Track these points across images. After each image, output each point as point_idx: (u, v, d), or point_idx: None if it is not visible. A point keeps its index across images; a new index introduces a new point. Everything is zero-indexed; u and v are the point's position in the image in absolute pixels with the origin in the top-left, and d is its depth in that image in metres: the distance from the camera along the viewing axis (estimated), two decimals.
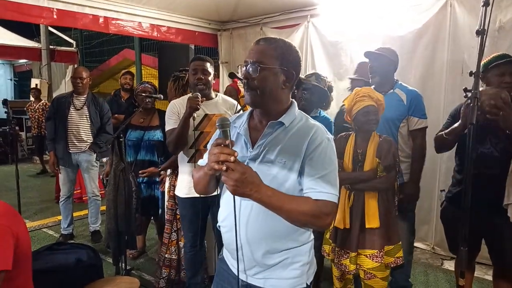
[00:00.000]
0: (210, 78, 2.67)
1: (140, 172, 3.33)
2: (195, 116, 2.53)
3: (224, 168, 1.21)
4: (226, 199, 1.44)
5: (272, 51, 1.35)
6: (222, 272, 1.54)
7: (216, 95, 2.79)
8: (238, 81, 4.19)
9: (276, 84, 1.36)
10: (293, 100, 1.46)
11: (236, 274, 1.39)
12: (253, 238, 1.36)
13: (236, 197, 1.29)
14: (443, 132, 2.43)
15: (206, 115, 2.65)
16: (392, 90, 2.82)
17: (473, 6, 3.55)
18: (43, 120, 7.67)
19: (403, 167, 2.80)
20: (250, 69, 1.34)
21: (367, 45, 4.12)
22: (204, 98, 2.61)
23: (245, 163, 1.34)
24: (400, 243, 2.41)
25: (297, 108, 1.44)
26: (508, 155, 2.22)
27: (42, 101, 8.03)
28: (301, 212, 1.29)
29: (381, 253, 2.31)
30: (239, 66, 1.40)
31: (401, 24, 3.98)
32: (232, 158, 1.20)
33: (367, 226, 2.30)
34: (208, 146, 1.57)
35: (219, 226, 1.49)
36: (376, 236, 2.30)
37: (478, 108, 1.76)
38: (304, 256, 1.41)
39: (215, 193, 2.55)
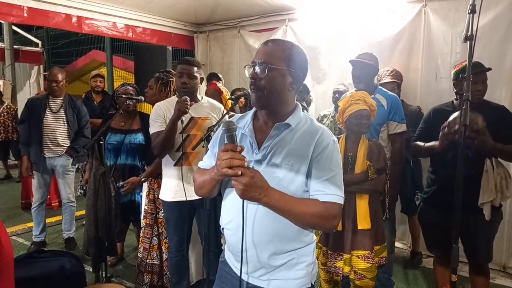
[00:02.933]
0: (196, 82, 2.63)
1: (121, 184, 3.23)
2: (183, 119, 2.50)
3: (240, 173, 1.21)
4: (230, 202, 1.43)
5: (280, 53, 1.35)
6: (225, 275, 1.52)
7: (202, 98, 2.76)
8: (217, 83, 4.17)
9: (283, 85, 1.36)
10: (298, 102, 1.47)
11: (241, 277, 1.38)
12: (259, 240, 1.35)
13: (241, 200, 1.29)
14: (422, 146, 2.51)
15: (192, 118, 2.61)
16: (372, 96, 2.88)
17: (446, 14, 3.72)
18: (9, 124, 7.31)
19: None
20: (258, 69, 1.34)
21: (345, 49, 4.23)
22: (193, 102, 2.59)
23: (251, 165, 1.35)
24: (385, 243, 2.49)
25: (301, 110, 1.45)
26: (481, 156, 2.32)
27: (6, 104, 7.63)
28: (310, 214, 1.31)
29: (372, 253, 2.37)
30: (246, 66, 1.40)
31: (378, 29, 4.10)
32: (245, 164, 1.21)
33: (359, 228, 2.35)
34: (210, 146, 1.56)
35: (223, 229, 1.48)
36: (367, 237, 2.36)
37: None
38: (309, 257, 1.42)
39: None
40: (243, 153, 1.27)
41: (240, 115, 1.53)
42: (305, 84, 3.16)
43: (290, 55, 1.36)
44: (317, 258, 2.58)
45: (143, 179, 3.15)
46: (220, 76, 4.77)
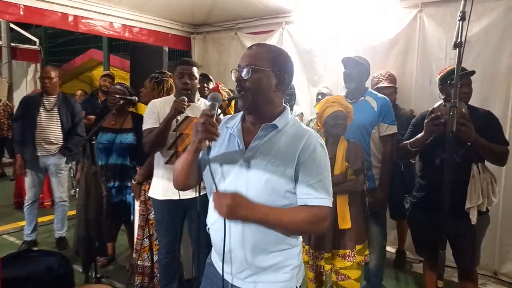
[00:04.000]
0: (196, 82, 2.65)
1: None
2: (178, 118, 2.50)
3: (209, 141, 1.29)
4: None
5: (264, 54, 1.37)
6: (210, 276, 1.52)
7: (199, 99, 2.76)
8: (220, 85, 4.17)
9: (268, 86, 1.37)
10: (286, 105, 1.47)
11: (226, 278, 1.39)
12: (244, 240, 1.35)
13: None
14: (407, 143, 2.53)
15: (187, 117, 2.61)
16: (363, 98, 2.91)
17: (441, 20, 3.73)
18: (5, 122, 7.28)
19: (375, 172, 2.89)
20: (243, 72, 1.36)
21: (341, 53, 4.23)
22: (190, 103, 2.59)
23: (238, 165, 1.37)
24: (367, 242, 2.55)
25: (290, 112, 1.45)
26: (469, 161, 2.34)
27: (2, 101, 7.61)
28: (299, 221, 1.33)
29: (353, 252, 2.43)
30: (233, 71, 1.41)
31: (374, 34, 4.10)
32: (217, 131, 1.30)
33: (340, 227, 2.39)
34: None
35: (209, 229, 1.47)
36: (348, 236, 2.43)
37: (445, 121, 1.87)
38: (294, 260, 1.42)
39: (193, 195, 2.53)
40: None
41: (229, 116, 1.54)
42: (294, 92, 3.19)
43: (274, 57, 1.38)
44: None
45: (140, 184, 3.06)
46: (211, 77, 4.76)
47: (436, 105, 2.32)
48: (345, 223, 2.40)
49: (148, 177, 2.95)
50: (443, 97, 2.50)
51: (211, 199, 1.47)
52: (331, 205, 1.36)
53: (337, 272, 2.46)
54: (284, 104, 1.47)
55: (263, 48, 1.40)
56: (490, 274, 3.55)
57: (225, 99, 2.98)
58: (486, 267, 3.50)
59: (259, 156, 1.35)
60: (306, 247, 2.54)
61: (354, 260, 2.43)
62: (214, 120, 1.31)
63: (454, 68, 2.45)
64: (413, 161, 3.66)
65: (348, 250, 2.43)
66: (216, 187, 1.36)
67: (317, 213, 1.33)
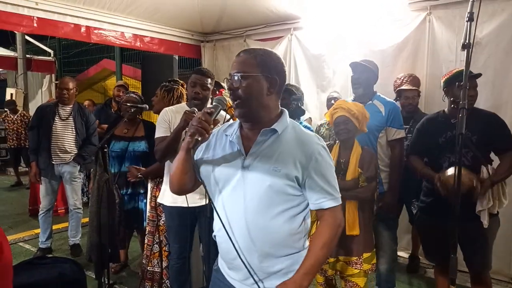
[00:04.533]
0: (208, 93, 2.63)
1: (128, 174, 3.24)
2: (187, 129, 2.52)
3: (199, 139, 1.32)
4: (220, 209, 1.44)
5: (252, 60, 1.37)
6: (218, 283, 1.53)
7: None
8: (224, 91, 4.21)
9: (260, 91, 1.37)
10: (283, 108, 1.47)
11: (232, 283, 1.40)
12: (250, 246, 1.36)
13: (232, 205, 1.38)
14: (418, 168, 2.58)
15: None
16: (370, 102, 2.90)
17: (450, 22, 3.70)
18: (22, 132, 7.46)
19: (383, 176, 2.86)
20: (234, 80, 1.36)
21: (349, 58, 4.23)
22: None
23: (239, 172, 1.37)
24: (374, 250, 2.51)
25: (288, 116, 1.46)
26: (477, 163, 2.32)
27: (20, 111, 7.81)
28: (328, 242, 1.39)
29: (360, 259, 2.40)
30: (225, 79, 1.42)
31: (382, 38, 4.09)
32: (210, 130, 1.33)
33: (347, 233, 2.37)
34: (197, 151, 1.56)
35: (215, 236, 1.48)
36: (356, 243, 2.40)
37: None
38: None
39: (203, 203, 2.53)
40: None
41: (228, 123, 1.55)
42: (301, 96, 3.23)
43: (263, 60, 1.38)
44: None
45: (141, 176, 3.18)
46: (224, 85, 4.81)
47: (448, 173, 2.31)
48: (354, 229, 2.37)
49: (153, 177, 3.06)
50: (451, 99, 2.48)
51: (216, 206, 1.48)
52: (341, 202, 1.42)
53: (345, 279, 2.44)
54: (281, 108, 1.47)
55: (251, 54, 1.39)
56: (505, 280, 3.46)
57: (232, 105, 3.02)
58: (500, 272, 3.42)
59: (261, 161, 1.36)
60: None
61: (361, 268, 2.40)
62: (212, 120, 1.33)
63: (460, 70, 2.47)
64: None
65: (356, 258, 2.40)
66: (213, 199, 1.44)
67: (336, 218, 1.40)
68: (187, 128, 2.46)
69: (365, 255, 2.42)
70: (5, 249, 1.57)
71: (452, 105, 2.37)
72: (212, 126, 1.33)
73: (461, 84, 1.64)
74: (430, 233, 2.56)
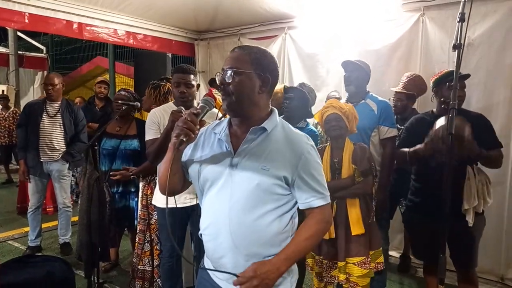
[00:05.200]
0: (193, 90, 2.61)
1: (111, 174, 3.20)
2: None
3: (185, 139, 1.29)
4: (207, 207, 1.43)
5: (246, 57, 1.36)
6: (204, 282, 1.51)
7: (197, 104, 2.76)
8: (214, 90, 4.18)
9: (252, 88, 1.36)
10: (273, 107, 1.46)
11: (218, 283, 1.40)
12: (238, 245, 1.34)
13: (219, 203, 1.36)
14: (406, 152, 2.52)
15: None
16: (363, 101, 2.92)
17: (443, 23, 3.71)
18: (14, 129, 7.39)
19: None
20: (226, 75, 1.35)
21: (343, 57, 4.23)
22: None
23: (227, 170, 1.36)
24: (381, 248, 2.48)
25: (277, 115, 1.45)
26: (463, 163, 2.33)
27: (12, 109, 7.73)
28: (315, 234, 1.38)
29: (368, 259, 2.37)
30: (217, 74, 1.41)
31: (376, 37, 4.10)
32: (196, 130, 1.31)
33: (353, 234, 2.34)
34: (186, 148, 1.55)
35: (201, 235, 1.46)
36: (362, 242, 2.37)
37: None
38: None
39: (194, 202, 2.51)
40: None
41: (217, 121, 1.54)
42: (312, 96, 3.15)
43: (257, 58, 1.37)
44: (312, 268, 2.57)
45: (132, 175, 3.15)
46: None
47: (437, 126, 2.27)
48: (358, 228, 2.35)
49: (144, 175, 3.06)
50: (441, 99, 2.48)
51: (202, 205, 1.47)
52: (329, 200, 1.41)
53: (348, 280, 2.39)
54: (271, 107, 1.46)
55: (245, 50, 1.38)
56: (496, 279, 3.48)
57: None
58: (492, 272, 3.45)
59: (249, 160, 1.35)
60: (317, 257, 2.50)
61: (370, 267, 2.37)
62: (198, 120, 1.32)
63: (449, 71, 2.49)
64: None
65: (363, 257, 2.36)
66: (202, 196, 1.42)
67: (324, 215, 1.39)
68: None
69: (371, 252, 2.40)
70: None
71: (442, 105, 2.38)
72: (198, 126, 1.32)
73: (452, 84, 1.64)
74: (419, 231, 2.58)
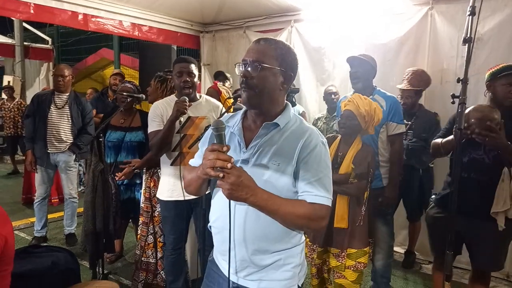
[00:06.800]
0: (195, 79, 2.62)
1: (119, 166, 3.21)
2: (181, 119, 2.49)
3: (221, 175, 1.19)
4: (218, 200, 1.42)
5: (272, 52, 1.34)
6: (212, 274, 1.52)
7: (200, 97, 2.75)
8: (218, 83, 4.16)
9: (275, 84, 1.35)
10: (288, 102, 1.45)
11: (227, 275, 1.37)
12: (243, 238, 1.34)
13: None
14: (440, 141, 2.44)
15: (189, 117, 2.59)
16: (371, 96, 2.85)
17: (453, 17, 3.66)
18: (19, 120, 7.41)
19: (383, 171, 2.84)
20: (250, 68, 1.32)
21: (350, 51, 4.18)
22: (192, 103, 2.57)
23: (238, 164, 1.34)
24: (366, 249, 2.45)
25: (291, 110, 1.43)
26: (500, 163, 2.23)
27: (17, 99, 7.75)
28: (297, 215, 1.29)
29: (343, 253, 2.40)
30: (236, 64, 1.38)
31: (383, 31, 4.05)
32: (229, 165, 1.18)
33: (335, 226, 2.37)
34: (200, 145, 1.54)
35: (210, 227, 1.46)
36: (341, 236, 2.41)
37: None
38: (296, 258, 1.41)
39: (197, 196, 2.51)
40: (230, 152, 1.24)
41: (230, 114, 1.52)
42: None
43: (282, 54, 1.35)
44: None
45: (135, 169, 3.13)
46: (228, 75, 4.75)
47: (467, 110, 2.14)
48: (341, 222, 2.38)
49: (148, 167, 3.06)
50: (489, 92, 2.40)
51: (213, 197, 1.47)
52: (330, 204, 1.33)
53: (333, 270, 2.48)
54: (285, 101, 1.44)
55: (272, 45, 1.35)
56: (502, 277, 3.47)
57: (231, 96, 2.97)
58: None
59: (260, 155, 1.34)
60: (310, 243, 2.53)
61: (343, 262, 2.40)
62: (225, 151, 1.20)
63: (508, 64, 2.38)
64: (432, 165, 3.60)
65: (338, 250, 2.42)
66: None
67: (317, 211, 1.30)
68: (181, 118, 2.46)
69: (349, 250, 2.40)
70: (9, 239, 1.56)
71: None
72: (231, 162, 1.20)
73: (462, 79, 1.60)
74: (438, 225, 2.49)
